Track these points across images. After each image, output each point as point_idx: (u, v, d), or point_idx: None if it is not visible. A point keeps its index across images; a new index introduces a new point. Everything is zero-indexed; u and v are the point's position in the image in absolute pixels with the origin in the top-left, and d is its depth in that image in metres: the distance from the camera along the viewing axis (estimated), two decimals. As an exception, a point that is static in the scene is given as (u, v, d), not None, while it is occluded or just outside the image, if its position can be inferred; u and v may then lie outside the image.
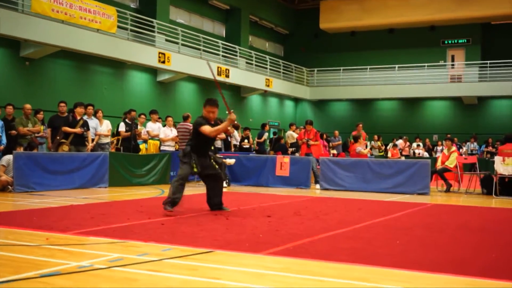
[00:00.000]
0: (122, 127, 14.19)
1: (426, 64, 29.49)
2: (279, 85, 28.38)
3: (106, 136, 13.97)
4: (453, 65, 30.84)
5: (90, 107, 13.57)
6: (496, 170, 12.59)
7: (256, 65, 27.06)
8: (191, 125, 15.71)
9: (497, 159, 12.59)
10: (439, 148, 24.54)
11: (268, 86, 27.15)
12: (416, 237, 6.23)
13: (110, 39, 18.16)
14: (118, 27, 18.53)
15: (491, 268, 4.64)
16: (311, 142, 14.75)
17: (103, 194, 11.02)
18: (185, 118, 15.96)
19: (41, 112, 13.60)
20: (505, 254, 5.33)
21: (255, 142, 19.74)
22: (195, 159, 7.90)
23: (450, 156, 14.14)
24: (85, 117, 13.10)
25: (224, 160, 14.23)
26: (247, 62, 26.96)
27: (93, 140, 13.23)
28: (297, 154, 16.39)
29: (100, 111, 14.19)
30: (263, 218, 7.53)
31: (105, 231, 6.07)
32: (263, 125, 19.95)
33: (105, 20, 17.69)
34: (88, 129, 12.78)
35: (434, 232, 6.63)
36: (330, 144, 21.77)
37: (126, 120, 14.36)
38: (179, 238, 5.69)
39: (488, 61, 28.29)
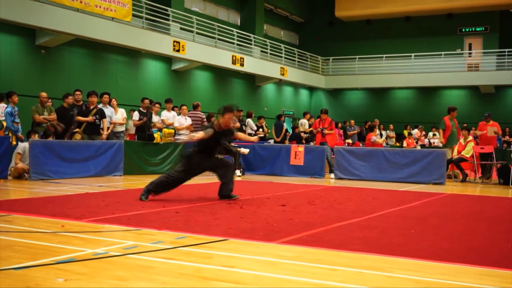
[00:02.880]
0: (136, 116, 14.24)
1: (443, 53, 29.20)
2: (294, 74, 28.29)
3: (121, 124, 14.03)
4: (470, 53, 30.52)
5: (106, 96, 13.62)
6: (512, 160, 12.49)
7: (270, 53, 26.98)
8: (201, 113, 15.85)
9: (514, 148, 12.48)
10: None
11: (283, 74, 27.07)
12: (430, 226, 6.20)
13: (125, 27, 18.19)
14: (133, 15, 18.55)
15: (505, 258, 4.61)
16: (326, 131, 14.73)
17: (118, 182, 11.10)
18: (195, 107, 16.06)
19: (50, 101, 13.61)
20: (521, 244, 5.29)
21: (271, 133, 19.68)
22: (192, 164, 7.96)
23: (466, 146, 14.03)
24: (100, 106, 13.17)
25: (238, 149, 14.29)
26: (261, 51, 26.89)
27: (108, 128, 13.30)
28: (311, 143, 16.36)
29: (114, 100, 14.25)
30: (277, 207, 7.53)
31: (120, 219, 6.12)
32: (279, 116, 19.74)
33: (120, 9, 17.72)
34: (103, 117, 12.84)
35: (448, 222, 6.60)
36: (347, 133, 21.72)
37: (141, 109, 14.41)
38: (193, 227, 5.72)
39: (506, 50, 27.92)
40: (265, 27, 29.97)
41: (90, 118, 12.49)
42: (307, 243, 5.00)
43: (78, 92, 13.03)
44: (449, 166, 14.07)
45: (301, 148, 14.31)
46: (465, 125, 18.75)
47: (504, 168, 13.15)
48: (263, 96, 28.60)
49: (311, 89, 33.13)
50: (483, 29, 30.30)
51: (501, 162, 13.45)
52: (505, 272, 4.10)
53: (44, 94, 12.85)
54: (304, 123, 18.50)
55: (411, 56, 29.56)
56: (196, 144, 8.06)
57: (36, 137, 11.64)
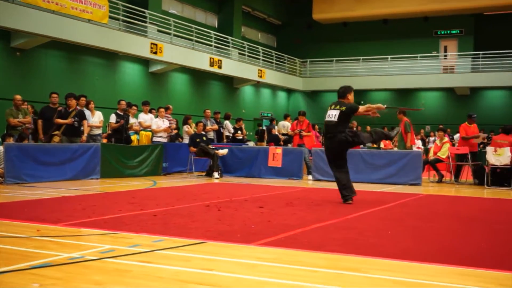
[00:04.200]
0: (112, 119, 14.12)
1: (419, 55, 29.50)
2: (271, 76, 28.34)
3: (98, 127, 13.90)
4: (445, 55, 30.87)
5: (83, 98, 13.49)
6: (488, 161, 12.65)
7: (248, 56, 26.99)
8: (169, 117, 15.94)
9: (489, 149, 12.64)
10: (431, 138, 24.59)
11: (260, 77, 27.10)
12: (407, 227, 6.24)
13: (102, 29, 18.04)
14: (110, 17, 18.42)
15: (481, 257, 4.66)
16: (303, 133, 14.77)
17: (95, 186, 10.99)
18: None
19: (25, 103, 13.47)
20: (495, 243, 5.35)
21: (251, 136, 19.77)
22: None
23: (442, 147, 14.18)
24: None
25: (216, 151, 14.29)
26: (239, 53, 26.89)
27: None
28: (289, 145, 16.40)
29: (92, 102, 14.11)
30: (255, 209, 7.52)
31: (96, 222, 6.05)
32: (272, 120, 19.99)
33: (97, 11, 17.58)
34: (82, 119, 12.71)
35: (425, 222, 6.65)
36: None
37: (118, 111, 14.30)
38: (171, 229, 5.68)
39: (481, 52, 28.32)
40: (243, 29, 29.98)
41: (69, 120, 12.36)
42: (285, 244, 4.99)
43: (54, 95, 12.91)
44: (425, 166, 14.21)
45: (279, 150, 14.32)
46: (441, 126, 18.96)
47: (479, 169, 13.31)
48: (241, 98, 28.59)
49: (289, 91, 33.21)
50: (458, 32, 30.69)
51: (476, 163, 13.61)
52: (481, 271, 4.14)
53: (18, 97, 12.68)
54: (286, 126, 18.53)
55: (387, 58, 29.81)
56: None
57: (11, 141, 11.47)
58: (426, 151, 20.03)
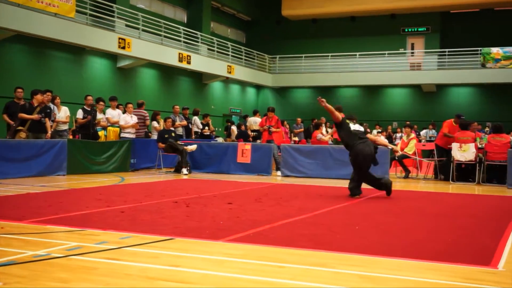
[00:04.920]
0: (80, 114, 13.94)
1: (386, 52, 29.82)
2: (241, 72, 28.31)
3: (65, 123, 13.71)
4: (412, 53, 31.26)
5: (49, 93, 13.28)
6: (453, 157, 12.86)
7: (218, 51, 26.91)
8: (145, 112, 15.79)
9: (455, 145, 12.84)
10: (398, 135, 24.89)
11: (230, 73, 27.04)
12: (374, 222, 6.31)
13: (69, 23, 17.75)
14: (77, 11, 18.13)
15: (446, 251, 4.74)
16: (273, 129, 14.80)
17: (61, 182, 10.84)
18: (140, 105, 15.93)
19: None
20: (460, 238, 5.45)
21: (219, 132, 19.73)
22: None
23: (409, 143, 14.36)
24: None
25: (185, 147, 14.22)
26: (208, 49, 26.78)
27: (51, 126, 12.97)
28: (258, 141, 16.42)
29: (58, 98, 13.90)
30: (224, 205, 7.52)
31: (62, 219, 5.97)
32: (245, 116, 19.87)
33: (63, 4, 17.29)
34: (47, 115, 12.51)
35: (392, 217, 6.74)
36: (294, 131, 21.89)
37: (85, 107, 14.12)
38: (139, 226, 5.64)
39: (447, 50, 28.76)
40: (212, 25, 29.86)
41: (35, 116, 12.16)
42: (254, 240, 5.00)
43: (19, 90, 12.68)
44: (392, 162, 14.38)
45: (248, 146, 14.33)
46: (407, 122, 19.22)
47: (445, 165, 13.52)
48: (210, 94, 28.50)
49: (258, 87, 33.23)
50: (425, 29, 31.10)
51: (442, 159, 13.82)
52: (445, 265, 4.21)
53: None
54: (256, 121, 18.54)
55: (356, 55, 30.05)
56: None
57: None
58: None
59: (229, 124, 22.42)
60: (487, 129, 23.20)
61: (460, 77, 28.02)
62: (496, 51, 26.90)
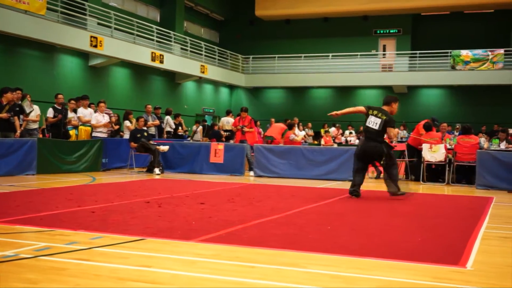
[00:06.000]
0: (50, 113, 13.76)
1: (359, 53, 30.06)
2: (214, 72, 28.25)
3: (35, 121, 13.51)
4: (384, 54, 31.59)
5: (19, 92, 13.07)
6: (423, 157, 13.02)
7: (191, 51, 26.81)
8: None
9: (425, 146, 13.01)
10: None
11: (203, 72, 26.97)
12: (346, 222, 6.36)
13: (39, 21, 17.51)
14: (48, 9, 17.89)
15: (416, 251, 4.79)
16: (246, 129, 14.79)
17: (30, 182, 10.67)
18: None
19: None
20: (430, 237, 5.52)
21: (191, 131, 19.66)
22: None
23: (380, 144, 14.46)
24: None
25: (157, 147, 14.14)
26: (182, 48, 26.67)
27: (20, 125, 12.78)
28: (231, 141, 16.41)
29: (28, 96, 13.69)
30: (196, 205, 7.49)
31: (32, 219, 5.88)
32: (228, 112, 19.81)
33: (34, 1, 17.04)
34: (16, 114, 12.31)
35: (364, 217, 6.79)
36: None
37: (55, 105, 13.93)
38: (109, 226, 5.59)
39: (418, 51, 29.13)
40: (185, 24, 29.75)
41: (4, 115, 11.96)
42: (225, 241, 5.00)
43: (-12, 88, 12.46)
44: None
45: (221, 146, 14.31)
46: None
47: (415, 165, 13.68)
48: (183, 93, 28.39)
49: (232, 87, 33.21)
50: (397, 31, 31.46)
51: (412, 160, 13.98)
52: (415, 264, 4.26)
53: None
54: (229, 121, 18.53)
55: (328, 56, 30.24)
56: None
57: None
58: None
59: (204, 123, 22.36)
60: (456, 130, 23.55)
61: (430, 79, 28.44)
62: (465, 53, 27.34)
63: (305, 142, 20.72)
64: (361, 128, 27.18)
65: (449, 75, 27.81)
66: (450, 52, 27.66)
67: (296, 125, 17.82)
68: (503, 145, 13.99)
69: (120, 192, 8.92)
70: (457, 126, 24.36)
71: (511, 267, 4.35)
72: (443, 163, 12.88)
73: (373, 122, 8.93)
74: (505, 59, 27.01)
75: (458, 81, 27.92)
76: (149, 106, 17.37)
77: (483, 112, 28.61)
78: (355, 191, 9.02)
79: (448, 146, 13.18)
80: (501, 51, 26.99)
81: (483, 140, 15.09)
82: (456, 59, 27.44)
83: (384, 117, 8.92)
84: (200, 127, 20.73)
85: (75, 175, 12.40)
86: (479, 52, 27.18)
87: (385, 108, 9.21)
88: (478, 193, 11.20)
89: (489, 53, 27.00)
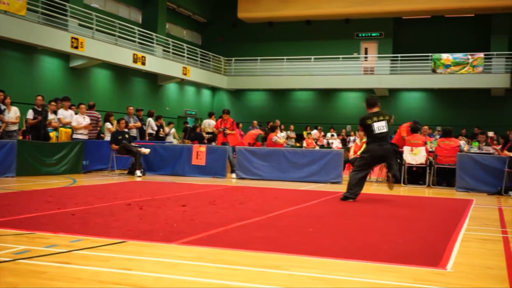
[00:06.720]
0: (30, 115, 13.62)
1: (340, 56, 30.19)
2: (196, 74, 28.18)
3: (14, 123, 13.36)
4: (366, 57, 31.76)
5: (0, 94, 12.91)
6: (404, 160, 13.11)
7: (173, 53, 26.72)
8: (97, 113, 15.60)
9: (406, 149, 13.10)
10: (352, 138, 25.22)
11: (185, 74, 26.90)
12: (328, 225, 6.37)
13: (19, 21, 17.32)
14: (28, 9, 17.70)
15: (396, 253, 4.82)
16: (228, 131, 14.77)
17: (9, 184, 10.55)
18: (91, 107, 15.73)
19: None
20: (410, 239, 5.55)
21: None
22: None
23: (362, 146, 14.55)
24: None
25: (139, 149, 14.06)
26: (164, 50, 26.57)
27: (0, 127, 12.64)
28: (213, 143, 16.38)
29: (8, 97, 13.54)
30: (177, 207, 7.46)
31: (11, 222, 5.81)
32: (211, 114, 19.88)
33: (14, 2, 16.85)
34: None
35: (345, 220, 6.81)
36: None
37: (35, 107, 13.79)
38: (90, 229, 5.54)
39: (399, 55, 29.34)
40: (167, 26, 29.65)
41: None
42: (207, 243, 4.98)
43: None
44: (346, 165, 14.55)
45: (202, 148, 14.27)
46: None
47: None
48: (165, 95, 28.28)
49: (214, 89, 33.16)
50: (378, 34, 31.65)
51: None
52: (395, 266, 4.28)
53: None
54: (211, 124, 18.48)
55: (311, 58, 30.32)
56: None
57: None
58: (347, 150, 20.51)
59: (187, 125, 22.27)
60: (437, 132, 23.74)
61: (411, 82, 28.65)
62: (446, 57, 27.60)
63: (287, 144, 20.75)
64: (343, 131, 27.45)
65: (430, 79, 28.05)
66: (431, 56, 27.89)
67: (278, 127, 17.84)
68: (483, 148, 14.14)
69: (101, 195, 8.85)
70: (438, 129, 24.56)
71: (490, 268, 4.40)
72: (424, 165, 12.98)
73: (380, 126, 8.99)
74: (485, 63, 27.31)
75: (439, 84, 28.18)
76: (131, 108, 17.27)
77: (464, 115, 28.88)
78: (352, 197, 9.04)
79: (429, 149, 13.29)
80: (481, 55, 27.29)
81: (463, 143, 15.21)
82: (437, 63, 27.68)
83: (387, 117, 9.10)
84: (173, 129, 20.57)
85: (55, 177, 12.29)
86: (459, 56, 27.45)
87: (377, 108, 9.26)
88: (458, 195, 11.31)
89: (469, 57, 27.28)
